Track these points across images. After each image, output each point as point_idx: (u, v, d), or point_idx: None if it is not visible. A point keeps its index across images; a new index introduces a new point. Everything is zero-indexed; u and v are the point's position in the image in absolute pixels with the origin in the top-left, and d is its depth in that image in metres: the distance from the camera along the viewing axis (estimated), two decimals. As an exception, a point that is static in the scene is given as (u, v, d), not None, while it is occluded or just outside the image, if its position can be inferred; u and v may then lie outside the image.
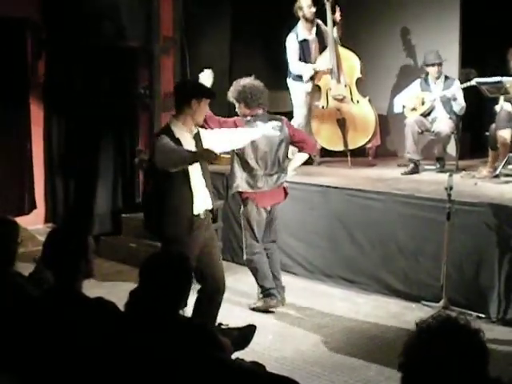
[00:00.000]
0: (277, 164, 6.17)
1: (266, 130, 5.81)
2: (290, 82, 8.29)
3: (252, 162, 6.10)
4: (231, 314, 6.01)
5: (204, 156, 4.88)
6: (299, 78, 8.17)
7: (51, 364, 3.21)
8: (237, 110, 6.22)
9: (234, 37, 9.74)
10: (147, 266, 3.32)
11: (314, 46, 8.24)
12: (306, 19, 8.11)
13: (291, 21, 8.25)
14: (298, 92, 8.34)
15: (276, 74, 8.86)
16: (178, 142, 4.95)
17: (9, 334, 3.35)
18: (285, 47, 8.17)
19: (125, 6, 8.39)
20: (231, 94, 6.27)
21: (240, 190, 6.17)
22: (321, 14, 8.18)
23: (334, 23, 8.07)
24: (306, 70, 8.10)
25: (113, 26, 8.37)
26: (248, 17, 9.59)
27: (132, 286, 3.30)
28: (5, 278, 3.71)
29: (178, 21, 8.92)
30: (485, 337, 2.00)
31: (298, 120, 8.26)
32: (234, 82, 6.33)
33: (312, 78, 8.18)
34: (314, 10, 8.07)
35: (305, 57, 8.17)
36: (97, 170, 8.63)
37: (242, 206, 6.31)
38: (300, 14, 8.10)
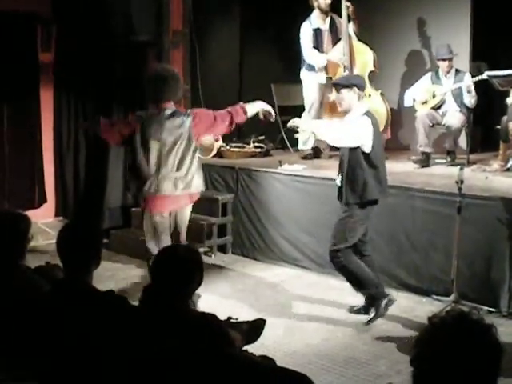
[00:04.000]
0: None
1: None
2: (303, 72, 8.27)
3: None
4: (241, 308, 6.03)
5: None
6: (312, 68, 8.14)
7: (62, 357, 3.22)
8: None
9: (245, 30, 9.73)
10: (157, 258, 3.36)
11: (326, 36, 8.22)
12: (321, 9, 8.11)
13: (303, 13, 8.23)
14: (310, 83, 8.32)
15: (288, 68, 8.87)
16: None
17: (20, 327, 3.36)
18: (299, 37, 8.15)
19: (135, 0, 8.39)
20: None
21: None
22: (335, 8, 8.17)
23: (349, 18, 8.05)
24: (319, 58, 8.08)
25: (122, 20, 8.37)
26: (258, 9, 9.58)
27: (142, 279, 3.31)
28: (16, 272, 3.72)
29: (187, 14, 8.91)
30: (497, 332, 1.99)
31: (310, 112, 8.25)
32: None
33: (325, 69, 8.15)
34: (329, 1, 8.06)
35: (318, 45, 8.15)
36: (107, 164, 8.63)
37: None
38: (315, 4, 8.11)
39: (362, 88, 5.70)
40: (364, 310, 5.94)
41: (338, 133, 5.67)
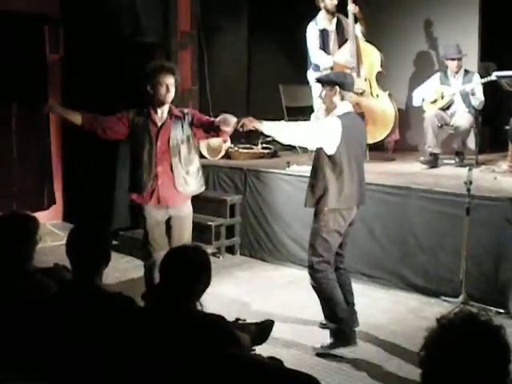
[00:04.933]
0: None
1: None
2: (309, 73, 8.25)
3: None
4: (248, 309, 6.02)
5: None
6: (319, 68, 8.12)
7: (70, 358, 3.23)
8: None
9: (252, 31, 9.74)
10: (165, 260, 3.37)
11: (333, 37, 8.20)
12: (327, 10, 8.09)
13: (310, 14, 8.22)
14: (317, 84, 8.30)
15: (296, 68, 8.85)
16: None
17: (28, 328, 3.37)
18: (305, 37, 8.14)
19: (142, 1, 8.40)
20: None
21: None
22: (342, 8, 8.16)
23: (356, 19, 8.04)
24: (325, 59, 8.06)
25: (130, 21, 8.39)
26: (265, 10, 9.58)
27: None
28: (24, 273, 3.73)
29: (195, 16, 8.93)
30: (506, 333, 1.98)
31: (319, 113, 8.24)
32: None
33: (331, 69, 8.13)
34: (335, 2, 8.04)
35: (324, 46, 8.13)
36: (115, 165, 8.65)
37: None
38: (321, 4, 8.08)
39: (346, 87, 5.22)
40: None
41: (297, 134, 5.26)
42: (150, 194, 5.68)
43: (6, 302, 3.52)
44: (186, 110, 5.84)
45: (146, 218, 5.74)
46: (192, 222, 6.66)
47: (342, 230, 5.31)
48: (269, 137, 8.88)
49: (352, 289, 5.55)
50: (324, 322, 5.48)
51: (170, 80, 5.60)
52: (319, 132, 5.18)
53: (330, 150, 5.11)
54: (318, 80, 5.45)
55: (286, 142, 5.52)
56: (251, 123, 5.24)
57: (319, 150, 5.20)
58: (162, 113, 5.68)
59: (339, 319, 5.28)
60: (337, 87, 5.17)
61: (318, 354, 5.27)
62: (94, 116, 5.75)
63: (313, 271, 5.30)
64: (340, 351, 5.23)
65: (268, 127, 5.25)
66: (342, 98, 5.20)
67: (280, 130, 5.29)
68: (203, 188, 6.05)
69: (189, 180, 5.76)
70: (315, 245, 5.29)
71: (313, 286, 5.36)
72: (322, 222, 5.22)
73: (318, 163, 5.22)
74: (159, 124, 5.66)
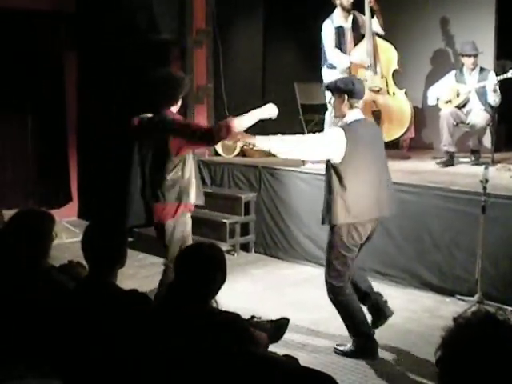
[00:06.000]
0: None
1: None
2: (324, 70, 8.21)
3: None
4: (264, 307, 6.02)
5: None
6: (333, 66, 8.09)
7: (86, 355, 3.24)
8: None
9: (267, 28, 9.72)
10: (180, 257, 3.38)
11: (349, 34, 8.16)
12: (343, 7, 8.05)
13: (326, 11, 8.20)
14: None
15: (311, 66, 8.82)
16: None
17: (44, 324, 3.38)
18: (321, 35, 8.11)
19: (157, -2, 8.42)
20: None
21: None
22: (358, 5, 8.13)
23: (373, 13, 8.00)
24: (342, 60, 8.02)
25: (146, 18, 8.39)
26: (281, 7, 9.56)
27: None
28: (40, 270, 3.74)
29: (210, 13, 8.93)
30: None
31: (331, 115, 8.22)
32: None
33: (348, 68, 8.11)
34: None
35: (340, 44, 8.09)
36: (130, 162, 8.66)
37: None
38: (337, 1, 8.04)
39: (355, 95, 5.00)
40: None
41: (297, 148, 5.00)
42: None
43: (21, 298, 3.53)
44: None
45: (186, 224, 5.39)
46: (206, 220, 6.64)
47: (358, 244, 5.13)
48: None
49: (372, 289, 5.44)
50: (339, 348, 5.32)
51: None
52: (320, 145, 4.99)
53: (335, 161, 4.94)
54: (327, 87, 5.30)
55: (282, 155, 5.16)
56: (243, 137, 5.06)
57: (328, 163, 5.03)
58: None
59: (362, 333, 5.19)
60: (345, 95, 4.98)
61: (337, 352, 5.26)
62: None
63: (331, 287, 5.17)
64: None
65: (261, 141, 5.03)
66: (351, 107, 5.01)
67: (276, 145, 5.03)
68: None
69: None
70: (331, 260, 5.12)
71: (331, 300, 5.23)
72: (336, 237, 5.07)
73: (326, 177, 5.09)
74: None
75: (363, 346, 5.18)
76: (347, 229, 5.02)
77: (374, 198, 5.04)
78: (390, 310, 5.35)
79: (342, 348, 5.28)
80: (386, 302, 5.38)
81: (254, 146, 5.06)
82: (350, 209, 4.95)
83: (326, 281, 5.18)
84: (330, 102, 5.23)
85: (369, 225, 5.11)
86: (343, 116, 5.05)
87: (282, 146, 5.03)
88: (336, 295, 5.16)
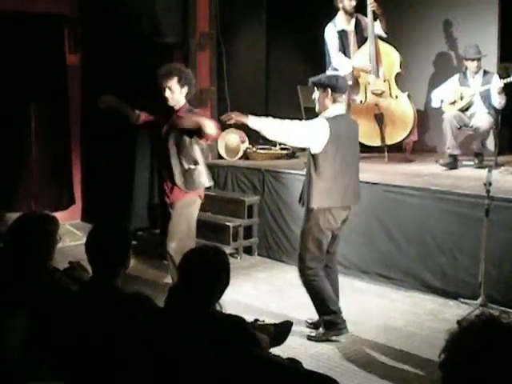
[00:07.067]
0: None
1: None
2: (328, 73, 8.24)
3: None
4: (266, 310, 6.02)
5: None
6: (337, 70, 8.10)
7: (88, 358, 3.24)
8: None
9: (270, 32, 9.73)
10: (184, 260, 3.37)
11: (352, 38, 8.18)
12: (346, 11, 8.06)
13: (328, 15, 8.21)
14: None
15: (314, 69, 8.81)
16: None
17: (48, 327, 3.38)
18: (323, 39, 8.13)
19: (161, 1, 8.41)
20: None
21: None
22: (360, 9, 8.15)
23: (375, 16, 8.01)
24: (344, 64, 8.04)
25: (149, 21, 8.40)
26: (284, 11, 9.58)
27: (168, 280, 3.32)
28: (44, 273, 3.75)
29: (214, 16, 8.94)
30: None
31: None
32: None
33: (351, 72, 8.12)
34: (354, 3, 8.02)
35: (343, 48, 8.11)
36: (133, 165, 8.67)
37: None
38: (340, 5, 8.06)
39: (338, 90, 5.33)
40: (315, 326, 5.71)
41: (283, 131, 5.32)
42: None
43: (25, 301, 3.53)
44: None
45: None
46: (210, 223, 6.67)
47: (334, 229, 5.51)
48: None
49: (339, 290, 5.75)
50: (309, 321, 5.71)
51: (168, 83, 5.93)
52: (304, 131, 5.31)
53: (315, 149, 5.29)
54: (312, 83, 5.49)
55: (271, 137, 5.54)
56: (236, 117, 5.41)
57: (308, 150, 5.38)
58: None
59: (332, 311, 5.48)
60: (329, 90, 5.32)
61: (310, 338, 5.54)
62: (146, 114, 6.20)
63: (304, 268, 5.50)
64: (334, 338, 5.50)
65: (253, 121, 5.37)
66: (334, 101, 5.34)
67: (266, 126, 5.37)
68: None
69: None
70: (306, 243, 5.46)
71: (303, 282, 5.57)
72: (312, 221, 5.42)
73: (308, 163, 5.42)
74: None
75: (333, 321, 5.49)
76: (323, 213, 5.38)
77: (347, 186, 5.44)
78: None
79: (314, 334, 5.57)
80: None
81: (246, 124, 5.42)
82: (326, 195, 5.35)
83: (300, 263, 5.53)
84: (314, 99, 5.41)
85: (343, 212, 5.52)
86: (325, 110, 5.36)
87: (269, 129, 5.36)
88: (308, 276, 5.50)
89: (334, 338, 5.51)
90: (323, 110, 5.37)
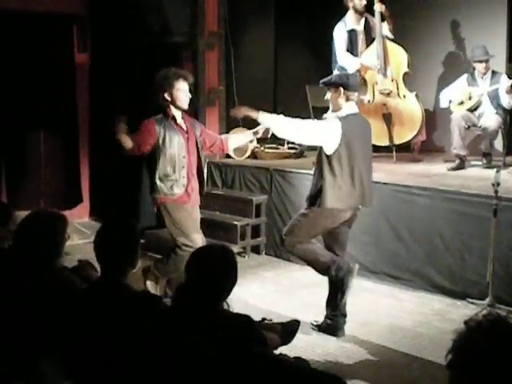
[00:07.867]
0: None
1: None
2: (335, 73, 8.23)
3: None
4: (274, 309, 6.03)
5: None
6: (344, 69, 8.10)
7: (97, 356, 3.25)
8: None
9: (279, 31, 9.74)
10: (192, 259, 3.37)
11: (361, 38, 8.18)
12: (356, 10, 8.06)
13: (337, 14, 8.21)
14: None
15: (322, 69, 8.82)
16: None
17: (55, 326, 3.40)
18: (332, 38, 8.12)
19: (170, 1, 8.43)
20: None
21: None
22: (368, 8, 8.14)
23: (383, 18, 8.01)
24: (352, 62, 8.04)
25: (158, 21, 8.41)
26: (293, 10, 9.58)
27: (176, 279, 3.32)
28: (52, 271, 3.76)
29: (222, 16, 8.94)
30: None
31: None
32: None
33: (358, 71, 8.11)
34: (364, 2, 8.02)
35: (352, 47, 8.11)
36: (141, 164, 8.68)
37: None
38: (350, 4, 8.06)
39: (350, 88, 5.32)
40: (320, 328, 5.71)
41: (295, 129, 5.34)
42: (188, 195, 5.92)
43: (35, 299, 3.54)
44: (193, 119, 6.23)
45: (186, 216, 5.95)
46: (217, 222, 6.65)
47: (330, 227, 5.50)
48: None
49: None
50: (315, 323, 5.68)
51: (186, 86, 5.88)
52: (316, 131, 5.31)
53: (329, 150, 5.27)
54: (323, 83, 5.48)
55: (282, 135, 5.58)
56: (246, 111, 5.49)
57: (321, 150, 5.34)
58: (180, 118, 5.94)
59: (330, 263, 5.47)
60: (341, 89, 5.30)
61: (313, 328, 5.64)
62: (132, 137, 5.98)
63: (286, 243, 5.61)
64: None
65: (264, 118, 5.43)
66: (347, 99, 5.33)
67: (277, 123, 5.40)
68: None
69: None
70: (302, 226, 5.48)
71: (290, 253, 5.83)
72: (312, 214, 5.44)
73: (318, 162, 5.39)
74: (185, 129, 5.93)
75: (333, 324, 5.56)
76: (331, 213, 5.39)
77: (359, 188, 5.40)
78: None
79: (317, 323, 5.66)
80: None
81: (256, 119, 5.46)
82: (338, 196, 5.32)
83: (285, 238, 5.61)
84: (326, 99, 5.42)
85: (349, 212, 5.48)
86: (339, 109, 5.34)
87: (281, 127, 5.39)
88: (292, 247, 5.60)
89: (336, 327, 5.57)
90: (337, 110, 5.35)
